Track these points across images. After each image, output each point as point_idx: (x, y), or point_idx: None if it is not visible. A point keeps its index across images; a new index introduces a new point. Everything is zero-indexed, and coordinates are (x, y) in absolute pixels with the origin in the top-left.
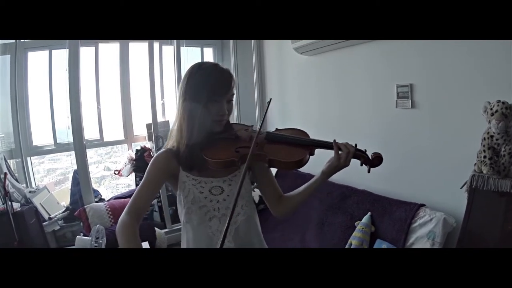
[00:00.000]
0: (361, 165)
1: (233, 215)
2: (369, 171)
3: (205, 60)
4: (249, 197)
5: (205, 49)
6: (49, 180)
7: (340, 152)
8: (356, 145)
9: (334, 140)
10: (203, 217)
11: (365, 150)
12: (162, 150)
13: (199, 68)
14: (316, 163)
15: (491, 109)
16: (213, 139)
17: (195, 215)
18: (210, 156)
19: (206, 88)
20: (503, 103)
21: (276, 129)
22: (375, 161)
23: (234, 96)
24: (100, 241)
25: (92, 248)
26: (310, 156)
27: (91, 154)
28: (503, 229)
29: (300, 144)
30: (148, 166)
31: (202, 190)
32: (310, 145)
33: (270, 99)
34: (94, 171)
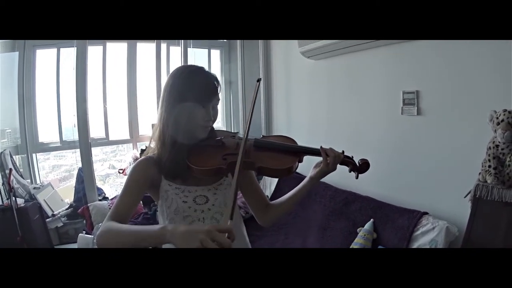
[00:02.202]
0: (350, 171)
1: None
2: (357, 177)
3: (212, 62)
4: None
5: (212, 51)
6: (54, 177)
7: (327, 158)
8: (343, 151)
9: (321, 146)
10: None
11: (352, 157)
12: (142, 158)
13: (184, 72)
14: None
15: (497, 118)
16: (198, 146)
17: None
18: (196, 163)
19: (192, 93)
20: (509, 112)
21: (263, 136)
22: (362, 167)
23: (240, 99)
24: None
25: (82, 248)
26: (299, 164)
27: (97, 152)
28: (506, 240)
29: (289, 151)
30: (128, 175)
31: (186, 199)
32: (298, 152)
33: (260, 78)
34: (99, 169)
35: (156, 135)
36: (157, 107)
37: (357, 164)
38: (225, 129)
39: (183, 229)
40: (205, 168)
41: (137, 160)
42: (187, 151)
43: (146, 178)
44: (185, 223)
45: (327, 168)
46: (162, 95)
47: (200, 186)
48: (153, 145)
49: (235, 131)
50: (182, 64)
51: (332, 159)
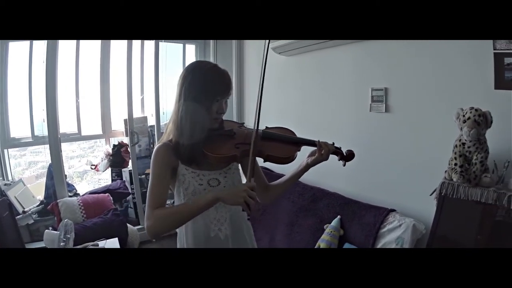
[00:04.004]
0: (339, 160)
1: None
2: (344, 165)
3: (187, 57)
4: None
5: (187, 46)
6: (31, 173)
7: (322, 149)
8: (333, 143)
9: (319, 141)
10: None
11: (340, 147)
12: (160, 144)
13: (200, 69)
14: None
15: (464, 115)
16: (212, 135)
17: None
18: (211, 151)
19: (209, 89)
20: (476, 110)
21: (266, 127)
22: (349, 156)
23: None
24: (69, 236)
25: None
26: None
27: (74, 148)
28: (472, 238)
29: (292, 142)
30: (152, 162)
31: (201, 182)
32: (299, 143)
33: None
34: (76, 165)
35: (172, 126)
36: (175, 100)
37: (344, 154)
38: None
39: (229, 191)
40: (221, 155)
41: (156, 147)
42: (204, 140)
43: (169, 161)
44: None
45: (321, 157)
46: (180, 89)
47: (213, 171)
48: (169, 135)
49: (242, 122)
50: (197, 60)
51: (326, 150)
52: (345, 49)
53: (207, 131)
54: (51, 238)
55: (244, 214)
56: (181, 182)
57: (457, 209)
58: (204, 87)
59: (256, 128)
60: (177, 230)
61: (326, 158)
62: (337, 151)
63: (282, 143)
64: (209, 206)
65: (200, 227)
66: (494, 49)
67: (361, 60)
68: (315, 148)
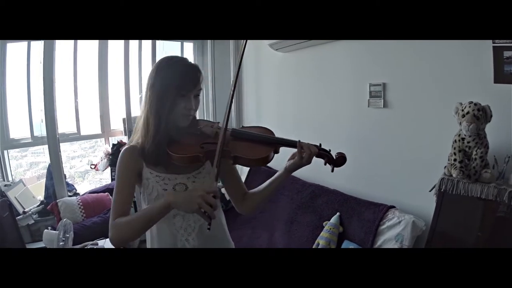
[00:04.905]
0: (325, 164)
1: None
2: (332, 170)
3: (185, 55)
4: None
5: (185, 44)
6: (32, 174)
7: (302, 152)
8: (320, 144)
9: (299, 141)
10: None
11: (330, 150)
12: (125, 147)
13: (168, 62)
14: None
15: (463, 110)
16: (179, 134)
17: None
18: (175, 151)
19: (174, 82)
20: (475, 104)
21: (242, 126)
22: (338, 160)
23: (210, 92)
24: (68, 235)
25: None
26: (275, 154)
27: (75, 148)
28: (472, 235)
29: (265, 141)
30: (117, 166)
31: (166, 187)
32: (274, 143)
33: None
34: (78, 165)
35: (140, 124)
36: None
37: (334, 158)
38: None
39: (183, 196)
40: (183, 155)
41: (122, 150)
42: (169, 139)
43: (134, 165)
44: None
45: (301, 161)
46: (146, 86)
47: (180, 174)
48: (137, 135)
49: (217, 121)
50: (164, 56)
51: (307, 154)
52: (342, 44)
53: (175, 130)
54: (50, 238)
55: (220, 226)
56: (145, 187)
57: (457, 205)
58: (168, 81)
59: (224, 126)
60: (147, 240)
61: (308, 162)
62: (323, 154)
63: (254, 143)
64: (163, 213)
65: (166, 237)
66: (493, 43)
67: (359, 55)
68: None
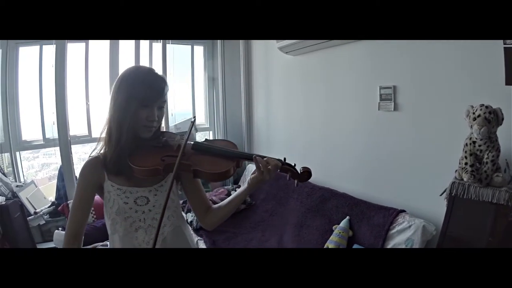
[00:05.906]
0: (288, 179)
1: (160, 226)
2: (296, 185)
3: (196, 59)
4: (176, 207)
5: (195, 47)
6: (44, 175)
7: (260, 167)
8: (284, 159)
9: (254, 156)
10: (128, 228)
11: (294, 164)
12: (88, 159)
13: (133, 72)
14: None
15: (474, 113)
16: (142, 146)
17: (121, 226)
18: (136, 163)
19: (138, 92)
20: (486, 107)
21: (206, 139)
22: (303, 175)
23: (221, 95)
24: None
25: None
26: (237, 168)
27: (87, 150)
28: (483, 240)
29: (226, 155)
30: (78, 179)
31: (127, 200)
32: (235, 157)
33: (194, 117)
34: None
35: (103, 133)
36: None
37: (298, 172)
38: (208, 125)
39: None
40: (143, 168)
41: (84, 162)
42: (131, 150)
43: (93, 179)
44: (127, 225)
45: (262, 176)
46: (111, 94)
47: (142, 187)
48: (101, 143)
49: (182, 133)
50: (131, 66)
51: (266, 169)
52: (351, 47)
53: (137, 141)
54: (60, 238)
55: (183, 239)
56: (107, 200)
57: (468, 210)
58: (132, 90)
59: (185, 140)
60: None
61: (268, 177)
62: (286, 169)
63: (215, 156)
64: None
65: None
66: (504, 44)
67: (368, 58)
68: None
